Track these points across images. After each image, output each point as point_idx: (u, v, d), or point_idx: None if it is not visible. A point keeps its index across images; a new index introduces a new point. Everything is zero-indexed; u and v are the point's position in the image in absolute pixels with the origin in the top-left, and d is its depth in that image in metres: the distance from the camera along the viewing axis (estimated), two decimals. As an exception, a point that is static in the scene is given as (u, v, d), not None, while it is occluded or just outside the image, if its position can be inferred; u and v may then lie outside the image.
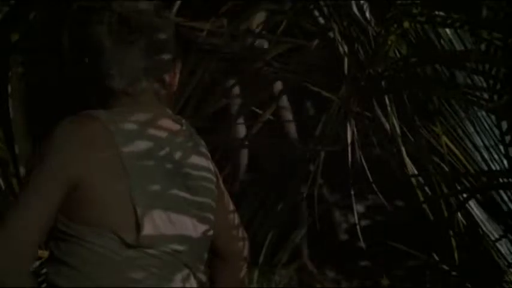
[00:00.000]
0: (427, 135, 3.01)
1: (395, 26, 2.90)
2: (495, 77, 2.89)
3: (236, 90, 3.30)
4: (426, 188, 2.98)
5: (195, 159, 2.17)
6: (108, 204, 2.02)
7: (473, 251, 3.00)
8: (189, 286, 2.08)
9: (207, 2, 3.24)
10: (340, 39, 2.98)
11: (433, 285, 3.08)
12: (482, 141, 3.02)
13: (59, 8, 3.26)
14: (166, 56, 2.15)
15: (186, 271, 2.08)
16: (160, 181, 2.07)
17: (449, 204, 2.99)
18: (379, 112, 3.01)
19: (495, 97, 2.90)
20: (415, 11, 2.86)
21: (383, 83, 2.96)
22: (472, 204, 2.99)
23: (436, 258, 3.02)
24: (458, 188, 2.99)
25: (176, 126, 2.18)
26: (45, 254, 3.20)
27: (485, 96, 2.89)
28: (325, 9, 3.02)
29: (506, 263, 2.96)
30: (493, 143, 3.01)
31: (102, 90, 2.14)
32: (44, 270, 3.17)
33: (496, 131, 3.01)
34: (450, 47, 2.98)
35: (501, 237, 2.95)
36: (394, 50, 2.96)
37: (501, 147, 3.00)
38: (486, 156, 3.01)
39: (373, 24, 2.95)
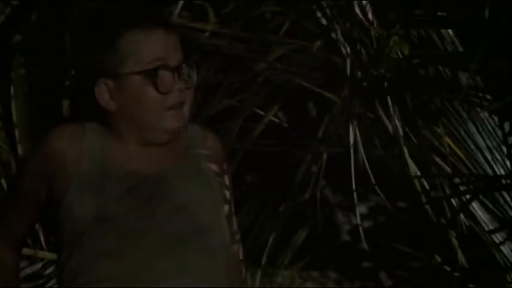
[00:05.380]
0: (430, 136, 3.01)
1: (397, 27, 2.90)
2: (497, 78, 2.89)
3: (238, 91, 3.30)
4: (429, 189, 2.98)
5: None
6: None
7: (475, 252, 3.00)
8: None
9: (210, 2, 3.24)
10: (342, 40, 2.98)
11: (435, 286, 3.08)
12: (485, 142, 3.02)
13: (61, 10, 3.26)
14: None
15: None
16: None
17: (451, 206, 2.99)
18: (381, 113, 3.01)
19: (498, 98, 2.90)
20: (417, 12, 2.86)
21: (385, 84, 2.96)
22: (475, 206, 2.99)
23: (439, 259, 3.02)
24: (461, 189, 2.99)
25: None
26: (47, 255, 3.20)
27: (488, 97, 2.89)
28: (327, 11, 3.02)
29: (508, 264, 2.96)
30: (495, 144, 3.01)
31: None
32: (47, 272, 3.19)
33: (499, 132, 3.01)
34: (452, 48, 2.98)
35: (505, 240, 2.96)
36: (397, 51, 2.97)
37: (503, 148, 3.00)
38: (489, 157, 3.01)
39: (375, 26, 2.95)
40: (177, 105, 2.11)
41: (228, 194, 2.24)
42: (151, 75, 2.08)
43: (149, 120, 2.10)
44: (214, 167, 2.20)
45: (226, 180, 2.24)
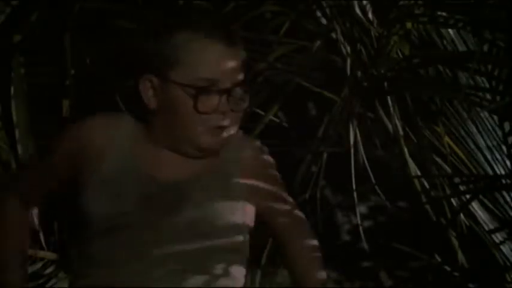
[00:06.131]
0: (430, 136, 3.01)
1: (397, 26, 2.90)
2: (498, 77, 2.89)
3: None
4: (429, 189, 2.98)
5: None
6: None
7: (475, 252, 3.00)
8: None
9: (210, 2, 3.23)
10: (342, 40, 2.98)
11: (435, 286, 3.08)
12: (485, 141, 3.02)
13: (61, 9, 3.26)
14: None
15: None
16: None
17: (451, 205, 2.99)
18: (381, 113, 3.01)
19: (498, 98, 2.90)
20: (417, 11, 2.86)
21: (385, 83, 2.96)
22: (475, 205, 2.99)
23: (439, 259, 3.02)
24: (461, 189, 2.99)
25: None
26: (47, 255, 3.20)
27: (488, 97, 2.89)
28: (327, 10, 3.02)
29: (508, 264, 2.96)
30: (495, 144, 3.01)
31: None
32: (48, 271, 3.19)
33: (499, 132, 3.01)
34: (453, 47, 2.98)
35: (505, 240, 2.96)
36: (397, 51, 2.97)
37: (504, 147, 3.00)
38: (489, 157, 3.01)
39: (375, 25, 2.95)
40: (217, 128, 1.98)
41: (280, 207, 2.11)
42: (195, 92, 1.95)
43: (184, 133, 1.99)
44: (248, 181, 2.06)
45: (273, 191, 2.09)
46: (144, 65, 2.01)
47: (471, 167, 3.01)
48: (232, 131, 2.02)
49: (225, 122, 1.99)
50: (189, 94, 1.96)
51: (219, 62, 1.97)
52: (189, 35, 1.97)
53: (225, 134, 2.00)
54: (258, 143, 2.14)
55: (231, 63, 1.98)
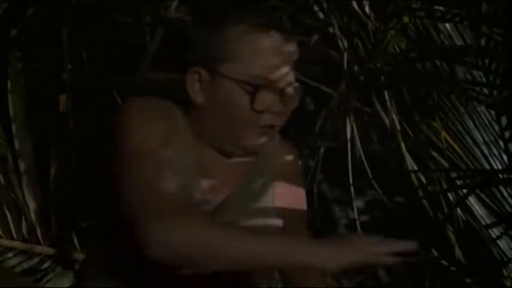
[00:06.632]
0: (427, 131, 3.01)
1: (394, 21, 2.90)
2: (495, 72, 2.89)
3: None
4: (426, 184, 2.98)
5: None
6: None
7: (472, 246, 3.00)
8: None
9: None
10: (340, 35, 2.98)
11: (432, 281, 3.08)
12: (482, 136, 3.02)
13: (58, 4, 3.26)
14: None
15: None
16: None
17: (448, 200, 2.99)
18: (378, 107, 3.01)
19: (495, 92, 2.90)
20: (414, 5, 2.86)
21: (382, 78, 2.96)
22: (472, 200, 2.99)
23: (436, 254, 3.02)
24: (458, 183, 2.99)
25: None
26: (44, 250, 3.20)
27: (485, 91, 2.89)
28: (325, 5, 3.02)
29: (505, 259, 2.96)
30: (492, 139, 3.01)
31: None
32: (44, 266, 3.19)
33: (496, 127, 3.01)
34: (450, 42, 2.98)
35: (502, 234, 2.96)
36: (394, 45, 2.96)
37: (501, 142, 3.00)
38: (486, 151, 3.01)
39: (372, 19, 2.95)
40: (267, 128, 1.88)
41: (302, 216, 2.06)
42: (253, 90, 1.83)
43: (232, 133, 1.88)
44: (283, 185, 2.02)
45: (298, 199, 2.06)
46: (191, 57, 1.88)
47: (468, 161, 3.01)
48: (276, 132, 1.94)
49: (276, 122, 1.90)
50: (245, 90, 1.85)
51: (275, 58, 1.86)
52: (245, 28, 1.85)
53: (270, 134, 1.91)
54: (295, 149, 2.09)
55: (287, 61, 1.88)
